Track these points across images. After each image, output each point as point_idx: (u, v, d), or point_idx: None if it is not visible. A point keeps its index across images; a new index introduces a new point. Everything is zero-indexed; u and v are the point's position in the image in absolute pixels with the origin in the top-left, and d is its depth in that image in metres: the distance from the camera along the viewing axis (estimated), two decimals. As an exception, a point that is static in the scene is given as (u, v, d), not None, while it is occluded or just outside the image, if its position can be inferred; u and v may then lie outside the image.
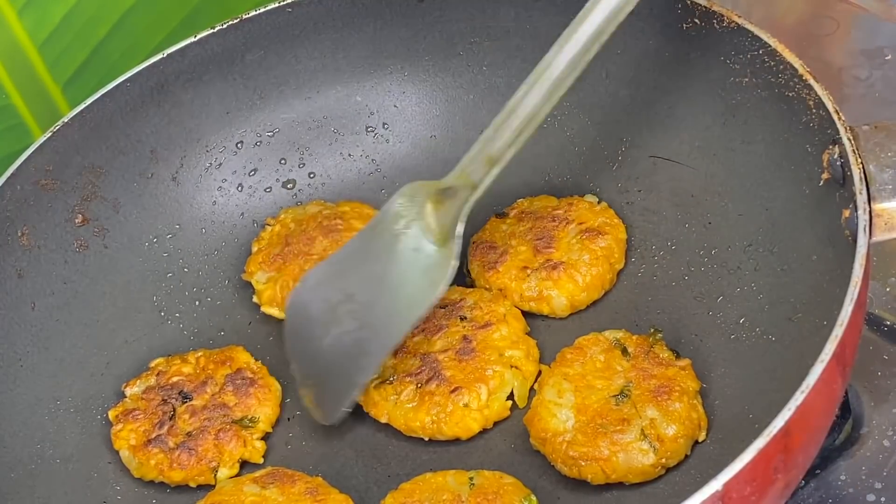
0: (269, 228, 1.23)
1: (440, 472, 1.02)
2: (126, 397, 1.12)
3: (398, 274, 1.08)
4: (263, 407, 1.10)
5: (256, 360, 1.14)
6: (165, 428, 1.08)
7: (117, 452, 1.09)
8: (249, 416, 1.09)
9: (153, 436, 1.08)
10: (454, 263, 1.05)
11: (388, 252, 1.08)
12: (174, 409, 1.09)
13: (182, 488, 1.08)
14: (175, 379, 1.11)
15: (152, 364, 1.14)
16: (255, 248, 1.22)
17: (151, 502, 1.08)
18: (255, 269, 1.20)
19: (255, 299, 1.19)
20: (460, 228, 1.06)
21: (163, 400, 1.10)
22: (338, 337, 1.09)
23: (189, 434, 1.08)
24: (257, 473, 1.05)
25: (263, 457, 1.09)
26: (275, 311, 1.18)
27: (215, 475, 1.07)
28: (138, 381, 1.13)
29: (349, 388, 1.08)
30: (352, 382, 1.08)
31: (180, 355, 1.14)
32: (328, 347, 1.09)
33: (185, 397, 1.10)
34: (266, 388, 1.11)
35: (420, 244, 1.07)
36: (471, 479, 1.00)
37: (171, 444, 1.07)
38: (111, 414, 1.11)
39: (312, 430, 1.10)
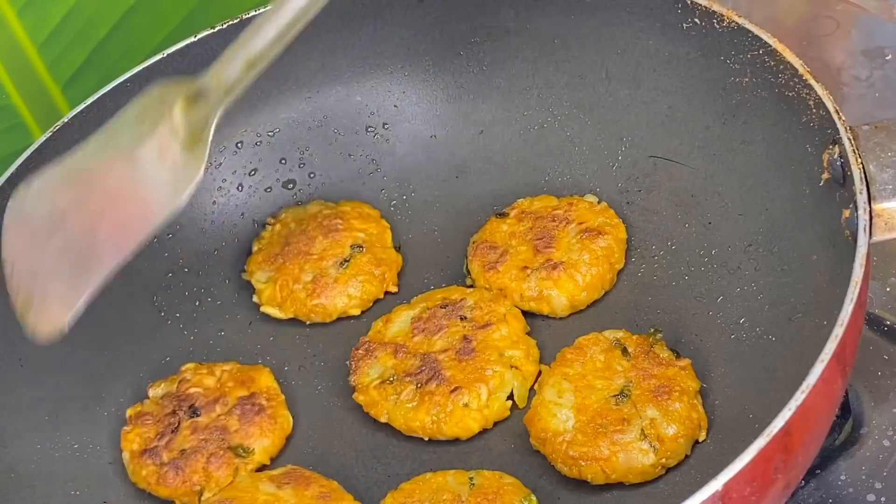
0: (269, 228, 1.23)
1: (440, 472, 1.02)
2: (148, 398, 1.12)
3: (137, 180, 1.00)
4: (263, 438, 1.07)
5: (282, 383, 1.13)
6: (165, 440, 1.07)
7: (120, 451, 1.09)
8: (244, 446, 1.06)
9: (151, 446, 1.07)
10: (202, 167, 0.98)
11: (128, 156, 1.00)
12: (179, 423, 1.08)
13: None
14: (192, 391, 1.10)
15: (183, 368, 1.13)
16: (255, 248, 1.22)
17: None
18: (255, 269, 1.20)
19: (255, 299, 1.19)
20: (210, 131, 0.98)
21: (173, 410, 1.09)
22: (66, 243, 1.00)
23: (183, 451, 1.06)
24: (275, 472, 1.04)
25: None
26: (275, 311, 1.18)
27: (199, 498, 1.05)
28: (163, 384, 1.12)
29: (76, 294, 0.98)
30: (79, 288, 0.98)
31: (210, 365, 1.13)
32: (53, 252, 1.00)
33: (194, 412, 1.09)
34: (273, 419, 1.08)
35: (165, 147, 0.99)
36: (471, 479, 1.00)
37: (164, 458, 1.06)
38: (128, 412, 1.10)
39: (312, 429, 1.11)
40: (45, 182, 1.02)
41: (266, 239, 1.22)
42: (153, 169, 0.99)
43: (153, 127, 0.99)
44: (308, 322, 1.18)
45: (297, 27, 0.96)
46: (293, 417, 1.11)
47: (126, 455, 1.08)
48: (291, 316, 1.18)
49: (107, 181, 1.00)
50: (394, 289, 1.19)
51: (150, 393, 1.11)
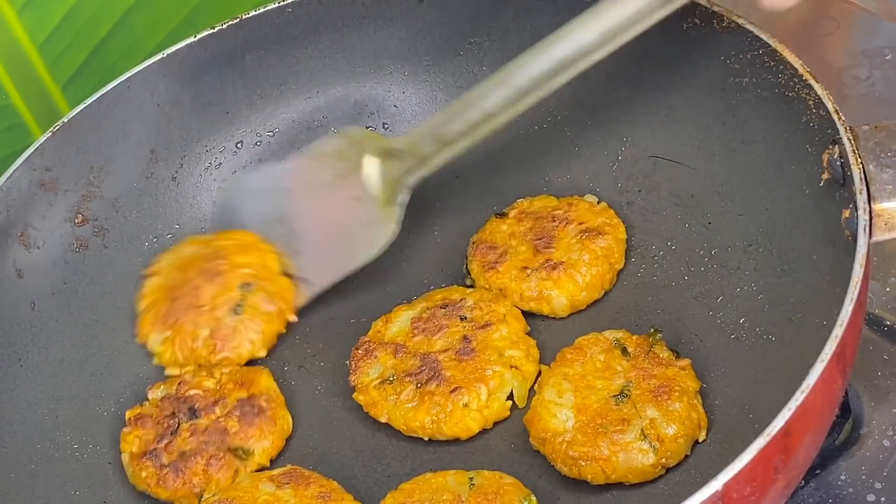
0: (148, 282, 1.17)
1: (440, 472, 1.02)
2: (147, 400, 1.11)
3: (336, 217, 1.10)
4: (262, 440, 1.07)
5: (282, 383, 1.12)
6: (164, 442, 1.07)
7: (120, 453, 1.09)
8: (244, 448, 1.06)
9: (151, 448, 1.06)
10: (395, 229, 1.09)
11: (328, 189, 1.09)
12: (178, 425, 1.08)
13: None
14: (192, 392, 1.09)
15: (182, 370, 1.13)
16: (141, 307, 1.17)
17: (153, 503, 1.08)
18: (147, 331, 1.15)
19: (155, 362, 1.15)
20: (405, 198, 1.08)
21: (172, 412, 1.08)
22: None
23: (183, 453, 1.06)
24: (275, 471, 1.04)
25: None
26: (181, 371, 1.13)
27: (199, 500, 1.04)
28: (162, 385, 1.11)
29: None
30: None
31: (210, 367, 1.13)
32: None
33: (194, 414, 1.08)
34: (273, 420, 1.08)
35: (362, 195, 1.08)
36: (471, 479, 1.00)
37: (164, 460, 1.05)
38: (128, 414, 1.10)
39: (312, 429, 1.11)
40: (251, 187, 1.16)
41: (149, 296, 1.17)
42: (350, 211, 1.09)
43: (350, 170, 1.09)
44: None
45: (487, 128, 1.05)
46: (293, 417, 1.11)
47: (125, 457, 1.08)
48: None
49: (308, 207, 1.11)
50: (293, 318, 1.16)
51: (150, 395, 1.11)
